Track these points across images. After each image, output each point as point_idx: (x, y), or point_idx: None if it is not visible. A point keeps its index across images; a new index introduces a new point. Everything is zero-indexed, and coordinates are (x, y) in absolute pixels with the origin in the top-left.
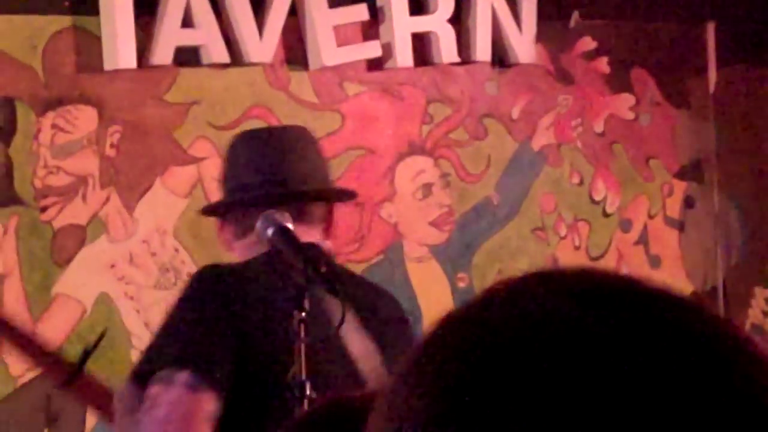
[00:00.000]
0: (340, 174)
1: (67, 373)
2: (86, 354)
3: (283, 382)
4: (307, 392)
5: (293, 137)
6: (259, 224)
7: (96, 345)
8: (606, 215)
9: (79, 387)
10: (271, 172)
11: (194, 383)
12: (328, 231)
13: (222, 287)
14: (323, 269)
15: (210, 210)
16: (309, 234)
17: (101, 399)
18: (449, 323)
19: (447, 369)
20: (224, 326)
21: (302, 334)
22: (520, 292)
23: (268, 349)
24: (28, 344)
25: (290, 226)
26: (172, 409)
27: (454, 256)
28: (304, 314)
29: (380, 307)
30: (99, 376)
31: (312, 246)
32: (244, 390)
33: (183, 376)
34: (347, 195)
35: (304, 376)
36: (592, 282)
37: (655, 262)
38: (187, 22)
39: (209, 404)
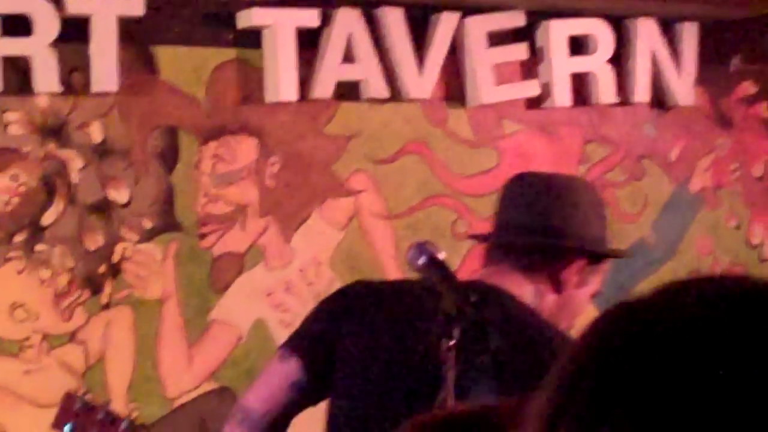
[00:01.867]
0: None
1: None
2: None
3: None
4: None
5: (564, 188)
6: (411, 252)
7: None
8: (763, 260)
9: None
10: (515, 219)
11: (282, 355)
12: (552, 285)
13: (340, 294)
14: (473, 299)
15: (475, 237)
16: (519, 282)
17: None
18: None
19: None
20: (324, 320)
21: (452, 361)
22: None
23: (380, 366)
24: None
25: (441, 256)
26: (264, 372)
27: (608, 296)
28: (452, 343)
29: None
30: None
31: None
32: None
33: (278, 351)
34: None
35: (451, 403)
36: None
37: None
38: (348, 56)
39: (293, 373)
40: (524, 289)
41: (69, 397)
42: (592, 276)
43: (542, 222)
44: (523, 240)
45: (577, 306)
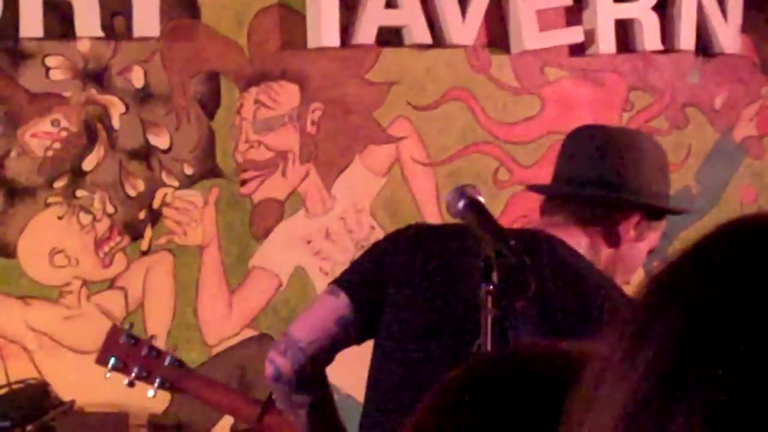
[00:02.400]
0: (538, 157)
1: (258, 411)
2: (270, 394)
3: (429, 342)
4: None
5: (626, 142)
6: (450, 196)
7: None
8: None
9: (268, 423)
10: (573, 171)
11: (332, 290)
12: (608, 238)
13: (393, 236)
14: (512, 243)
15: (532, 188)
16: (575, 234)
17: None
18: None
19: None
20: (374, 261)
21: (489, 305)
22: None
23: (427, 306)
24: (217, 390)
25: (481, 199)
26: (312, 304)
27: None
28: (492, 287)
29: (568, 302)
30: None
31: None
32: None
33: (328, 287)
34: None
35: (489, 348)
36: None
37: None
38: (390, 2)
39: (341, 308)
40: (580, 241)
41: (114, 331)
42: (649, 231)
43: (600, 175)
44: (580, 192)
45: (633, 260)
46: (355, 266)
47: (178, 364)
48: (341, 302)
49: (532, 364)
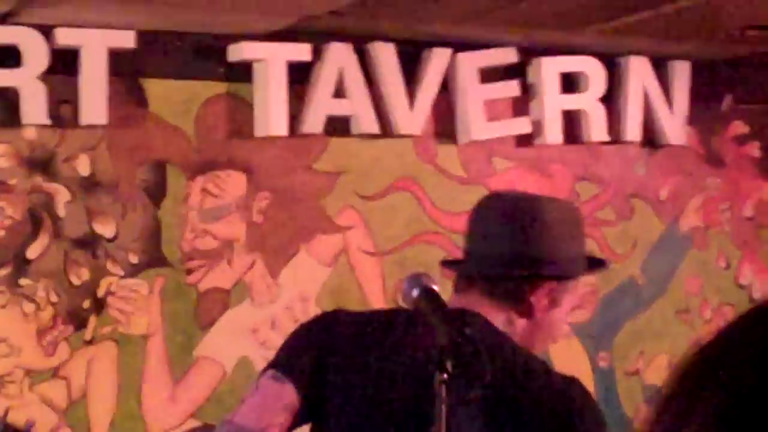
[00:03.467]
0: None
1: None
2: None
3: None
4: None
5: (533, 210)
6: (404, 284)
7: None
8: (752, 300)
9: None
10: (481, 247)
11: (276, 376)
12: (521, 311)
13: (327, 321)
14: (467, 331)
15: (444, 264)
16: (489, 310)
17: None
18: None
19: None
20: (314, 347)
21: (444, 395)
22: None
23: (358, 392)
24: None
25: (436, 288)
26: (255, 391)
27: (596, 335)
28: (446, 376)
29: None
30: None
31: (459, 312)
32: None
33: (268, 372)
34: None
35: None
36: None
37: None
38: (339, 92)
39: (287, 394)
40: (495, 316)
41: None
42: (564, 295)
43: (507, 249)
44: (487, 270)
45: (551, 329)
46: (293, 351)
47: None
48: (286, 389)
49: None
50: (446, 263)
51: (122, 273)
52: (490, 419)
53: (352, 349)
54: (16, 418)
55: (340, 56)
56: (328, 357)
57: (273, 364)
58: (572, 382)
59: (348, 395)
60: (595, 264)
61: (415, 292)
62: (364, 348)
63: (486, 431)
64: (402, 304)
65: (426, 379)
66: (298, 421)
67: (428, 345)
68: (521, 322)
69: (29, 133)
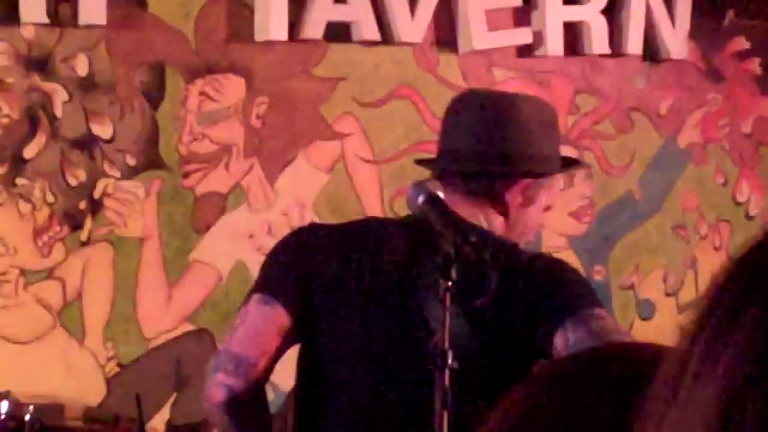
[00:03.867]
0: None
1: None
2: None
3: (354, 342)
4: (449, 362)
5: (507, 108)
6: (410, 191)
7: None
8: (749, 218)
9: None
10: (455, 144)
11: (264, 299)
12: (497, 208)
13: (304, 240)
14: (473, 239)
15: (419, 162)
16: (469, 208)
17: None
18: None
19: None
20: (296, 267)
21: (448, 302)
22: None
23: (340, 304)
24: None
25: (441, 195)
26: (245, 316)
27: (592, 248)
28: (450, 283)
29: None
30: None
31: (463, 219)
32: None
33: (256, 296)
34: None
35: (447, 345)
36: None
37: None
38: None
39: (278, 317)
40: (472, 214)
41: None
42: (540, 191)
43: (481, 146)
44: (460, 167)
45: (526, 225)
46: (277, 273)
47: None
48: (277, 312)
49: (607, 361)
50: (420, 161)
51: (119, 175)
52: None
53: (333, 267)
54: (11, 318)
55: None
56: (312, 277)
57: (259, 288)
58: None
59: (335, 315)
60: (569, 163)
61: (420, 199)
62: (345, 264)
63: (491, 336)
64: (408, 210)
65: (409, 287)
66: (288, 343)
67: (405, 251)
68: (498, 220)
69: (27, 32)
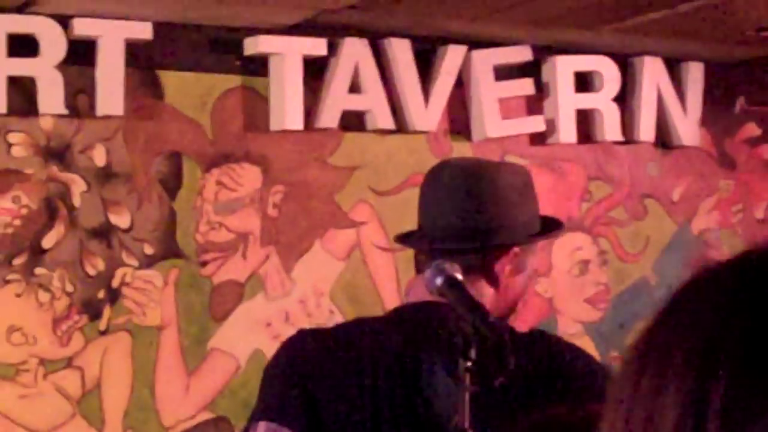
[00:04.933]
0: None
1: None
2: None
3: None
4: None
5: (483, 178)
6: (428, 273)
7: None
8: None
9: None
10: (439, 221)
11: (271, 428)
12: (489, 281)
13: (298, 351)
14: (491, 319)
15: (400, 241)
16: (470, 283)
17: None
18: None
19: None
20: (297, 384)
21: (468, 382)
22: None
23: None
24: None
25: (459, 276)
26: None
27: (607, 334)
28: (470, 363)
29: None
30: None
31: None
32: None
33: (263, 425)
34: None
35: (467, 425)
36: None
37: None
38: (354, 87)
39: None
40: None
41: None
42: (528, 257)
43: (459, 221)
44: (441, 245)
45: (516, 294)
46: (279, 394)
47: None
48: None
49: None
50: (399, 238)
51: (137, 264)
52: (518, 402)
53: (333, 377)
54: (31, 408)
55: (355, 51)
56: (314, 393)
57: (264, 415)
58: (578, 348)
59: (346, 425)
60: (551, 227)
61: (438, 280)
62: (344, 371)
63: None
64: (429, 291)
65: (411, 376)
66: None
67: (400, 343)
68: (488, 291)
69: (46, 123)
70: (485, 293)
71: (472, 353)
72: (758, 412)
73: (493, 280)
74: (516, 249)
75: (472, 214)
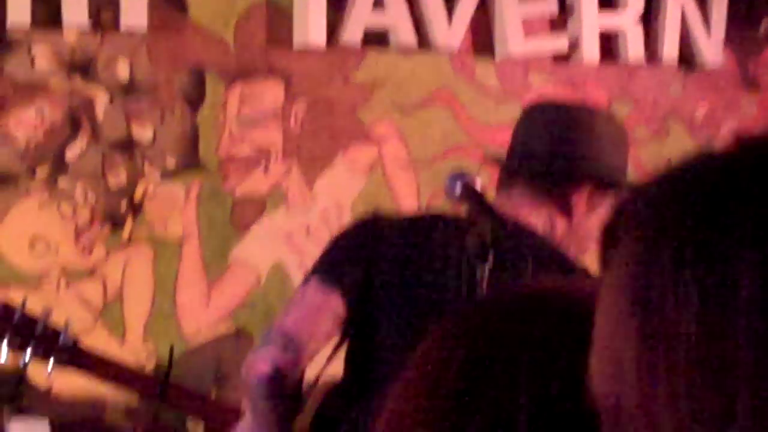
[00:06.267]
0: None
1: (159, 387)
2: (169, 367)
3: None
4: None
5: (580, 117)
6: (448, 182)
7: (171, 360)
8: None
9: (172, 398)
10: (527, 146)
11: (323, 284)
12: (562, 210)
13: (369, 230)
14: (509, 227)
15: (485, 161)
16: (530, 208)
17: (197, 405)
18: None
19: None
20: (360, 259)
21: (485, 286)
22: None
23: (400, 295)
24: (113, 368)
25: (477, 186)
26: (303, 298)
27: None
28: (487, 269)
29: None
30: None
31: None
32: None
33: (316, 278)
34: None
35: None
36: None
37: None
38: (378, 3)
39: (333, 301)
40: (536, 215)
41: (7, 309)
42: (606, 202)
43: (552, 148)
44: (531, 165)
45: (586, 233)
46: (339, 260)
47: (73, 342)
48: (335, 299)
49: (552, 298)
50: (490, 159)
51: (159, 177)
52: None
53: (396, 263)
54: (54, 316)
55: None
56: (373, 272)
57: (320, 271)
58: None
59: (392, 311)
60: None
61: (458, 188)
62: (407, 259)
63: None
64: (447, 199)
65: (466, 276)
66: (340, 332)
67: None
68: (561, 222)
69: (70, 36)
70: (558, 223)
71: (490, 258)
72: None
73: (568, 212)
74: (594, 188)
75: (561, 143)
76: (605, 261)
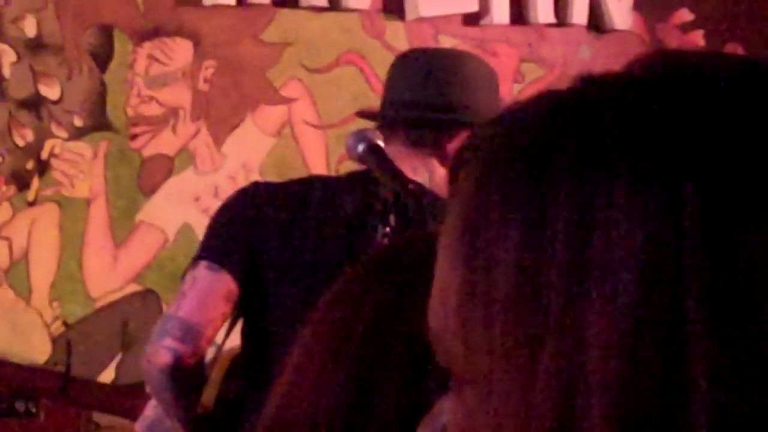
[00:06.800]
0: None
1: (59, 382)
2: (68, 364)
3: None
4: None
5: (449, 62)
6: (350, 141)
7: (69, 357)
8: None
9: (73, 392)
10: (399, 97)
11: (211, 267)
12: (441, 159)
13: (249, 201)
14: (411, 186)
15: (360, 114)
16: (411, 159)
17: (101, 398)
18: None
19: None
20: (243, 232)
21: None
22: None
23: (289, 261)
24: (10, 368)
25: (380, 143)
26: (192, 284)
27: None
28: (389, 229)
29: None
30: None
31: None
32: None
33: (203, 263)
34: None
35: None
36: None
37: None
38: None
39: (224, 284)
40: (417, 165)
41: None
42: None
43: (425, 98)
44: (405, 115)
45: None
46: (223, 238)
47: None
48: (225, 279)
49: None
50: (363, 113)
51: (66, 136)
52: None
53: (279, 230)
54: None
55: None
56: (258, 247)
57: (206, 254)
58: None
59: (283, 279)
60: None
61: (360, 147)
62: (290, 225)
63: None
64: (349, 158)
65: (357, 239)
66: (237, 308)
67: (350, 206)
68: (440, 171)
69: None
70: (437, 172)
71: (391, 219)
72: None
73: (444, 159)
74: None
75: (432, 91)
76: (449, 199)
